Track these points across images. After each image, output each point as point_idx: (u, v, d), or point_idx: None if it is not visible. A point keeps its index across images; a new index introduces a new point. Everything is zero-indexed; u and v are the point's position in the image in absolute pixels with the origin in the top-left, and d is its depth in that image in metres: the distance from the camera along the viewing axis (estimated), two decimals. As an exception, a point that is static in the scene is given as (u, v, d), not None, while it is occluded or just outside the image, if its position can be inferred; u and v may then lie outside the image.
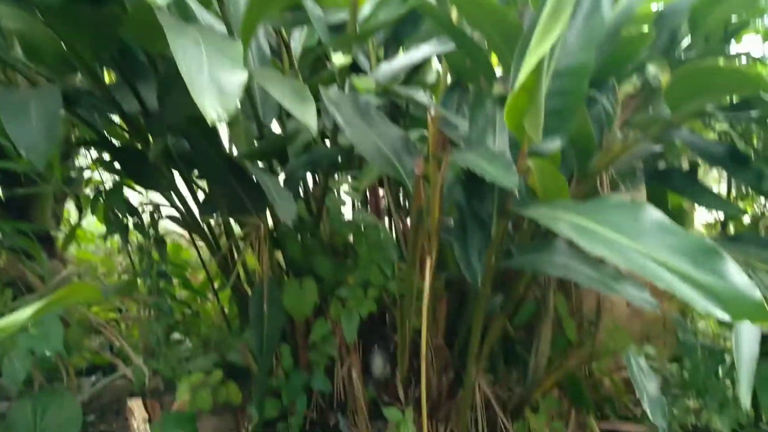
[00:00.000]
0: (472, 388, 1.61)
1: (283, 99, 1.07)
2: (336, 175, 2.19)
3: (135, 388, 1.97)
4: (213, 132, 1.51)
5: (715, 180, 2.36)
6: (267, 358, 1.60)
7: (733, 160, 1.55)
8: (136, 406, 1.83)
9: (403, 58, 1.67)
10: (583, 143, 1.30)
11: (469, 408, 1.63)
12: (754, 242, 1.54)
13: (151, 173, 1.67)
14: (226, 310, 2.45)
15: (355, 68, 1.88)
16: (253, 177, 1.57)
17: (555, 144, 1.07)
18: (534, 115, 0.99)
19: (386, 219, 2.15)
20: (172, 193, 1.78)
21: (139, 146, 1.66)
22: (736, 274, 0.72)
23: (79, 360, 2.01)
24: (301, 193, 1.98)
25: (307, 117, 1.08)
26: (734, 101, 1.58)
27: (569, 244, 1.37)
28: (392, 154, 1.44)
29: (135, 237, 2.52)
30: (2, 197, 2.49)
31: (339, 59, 1.56)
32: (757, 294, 0.69)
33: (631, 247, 0.83)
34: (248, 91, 1.55)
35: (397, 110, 2.00)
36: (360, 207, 2.13)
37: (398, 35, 1.97)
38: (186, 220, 1.90)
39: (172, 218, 2.03)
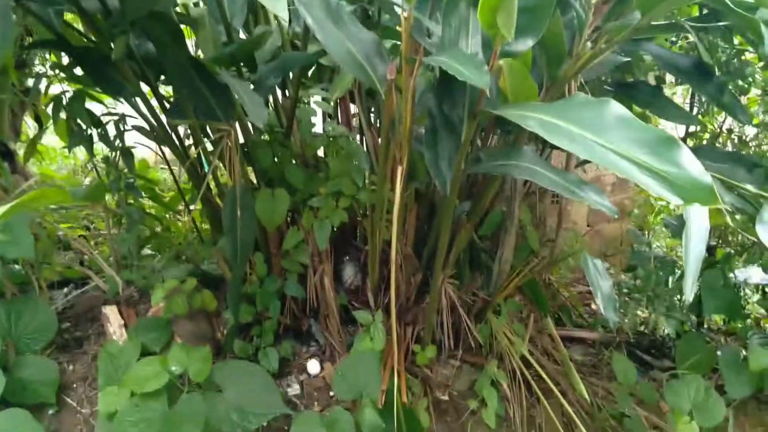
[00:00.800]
0: (438, 293, 1.69)
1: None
2: (307, 86, 2.16)
3: (110, 296, 2.00)
4: (178, 32, 1.45)
5: (680, 104, 2.41)
6: (241, 264, 1.63)
7: (697, 73, 1.59)
8: (111, 312, 1.87)
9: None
10: (554, 49, 1.31)
11: (435, 312, 1.72)
12: (711, 155, 1.61)
13: (114, 78, 1.61)
14: (199, 224, 2.46)
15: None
16: (222, 81, 1.53)
17: (527, 44, 1.08)
18: (507, 12, 0.98)
19: (358, 134, 2.15)
20: (138, 100, 1.73)
21: (101, 49, 1.59)
22: (690, 162, 0.77)
23: (49, 273, 2.01)
24: (272, 105, 1.96)
25: (278, 7, 1.05)
26: (702, 12, 1.60)
27: (535, 151, 1.41)
28: (364, 59, 1.42)
29: (101, 151, 2.48)
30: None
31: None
32: (708, 179, 0.74)
33: (594, 141, 0.86)
34: (215, -10, 1.49)
35: (369, 20, 1.95)
36: (331, 119, 2.12)
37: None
38: (154, 130, 1.86)
39: (138, 128, 1.98)
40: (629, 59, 1.60)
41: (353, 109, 2.18)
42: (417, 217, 1.85)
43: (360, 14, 1.92)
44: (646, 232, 2.98)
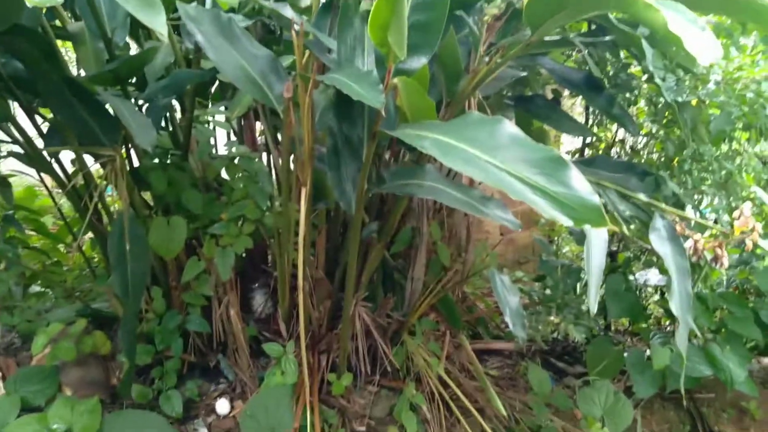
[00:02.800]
0: (351, 317, 1.64)
1: (126, 3, 0.94)
2: (207, 105, 2.05)
3: (-15, 346, 1.78)
4: (50, 49, 1.31)
5: (579, 114, 2.51)
6: (134, 300, 1.49)
7: (588, 86, 1.65)
8: (-15, 364, 1.65)
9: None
10: (451, 65, 1.30)
11: (349, 337, 1.66)
12: (605, 165, 1.67)
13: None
14: (90, 256, 2.26)
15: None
16: (104, 103, 1.41)
17: (421, 61, 1.05)
18: (398, 30, 0.95)
19: (264, 153, 2.06)
20: (10, 125, 1.55)
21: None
22: (579, 183, 0.76)
23: None
24: (169, 125, 1.84)
25: (156, 23, 0.96)
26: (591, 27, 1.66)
27: (439, 169, 1.39)
28: (260, 76, 1.35)
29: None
30: None
31: (196, -30, 1.42)
32: (596, 199, 0.74)
33: (489, 161, 0.85)
34: (92, 2, 1.36)
35: (271, 35, 1.89)
36: (235, 139, 2.02)
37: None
38: (31, 156, 1.68)
39: (14, 154, 1.78)
40: (525, 74, 1.63)
41: (259, 127, 2.10)
42: (328, 238, 1.79)
43: (261, 29, 1.85)
44: (555, 239, 3.08)
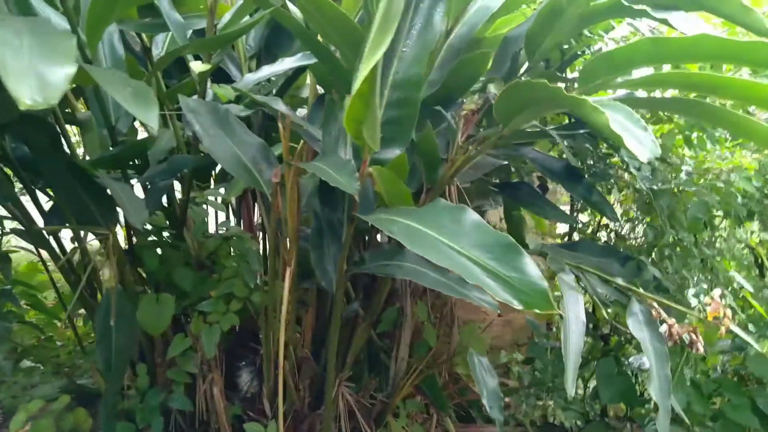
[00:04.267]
0: (334, 398, 1.62)
1: (124, 100, 1.03)
2: (208, 186, 2.14)
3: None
4: (56, 137, 1.41)
5: (567, 198, 2.58)
6: (116, 376, 1.50)
7: (568, 175, 1.72)
8: (-37, 441, 1.64)
9: (266, 69, 1.70)
10: (429, 155, 1.38)
11: (332, 419, 1.64)
12: (589, 249, 1.71)
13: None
14: (85, 332, 2.28)
15: (227, 79, 1.87)
16: (104, 186, 1.49)
17: (394, 152, 1.13)
18: (371, 124, 1.03)
19: (260, 232, 2.12)
20: (11, 204, 1.64)
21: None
22: (531, 269, 0.80)
23: None
24: (170, 204, 1.91)
25: (149, 117, 1.04)
26: (571, 120, 1.76)
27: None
28: (251, 162, 1.44)
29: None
30: None
31: (197, 66, 1.54)
32: (544, 285, 0.78)
33: (452, 246, 0.89)
34: (98, 94, 1.48)
35: (272, 122, 2.00)
36: (234, 220, 2.09)
37: (271, 49, 1.99)
38: (31, 233, 1.75)
39: (16, 231, 1.86)
40: (506, 162, 1.71)
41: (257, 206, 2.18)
42: (317, 317, 1.81)
43: (263, 117, 1.97)
44: (554, 321, 3.06)
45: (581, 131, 1.68)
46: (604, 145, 1.83)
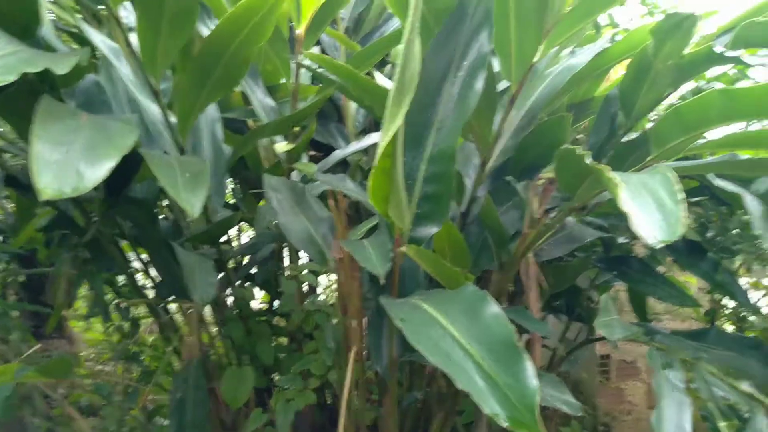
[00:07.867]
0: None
1: (170, 187, 1.09)
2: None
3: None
4: (153, 216, 1.57)
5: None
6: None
7: (687, 249, 1.44)
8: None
9: (352, 146, 1.73)
10: (494, 230, 1.26)
11: None
12: (716, 340, 1.38)
13: (106, 255, 1.73)
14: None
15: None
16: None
17: (431, 230, 1.04)
18: (396, 201, 0.97)
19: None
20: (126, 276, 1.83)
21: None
22: (527, 374, 0.65)
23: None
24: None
25: (195, 207, 1.08)
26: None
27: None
28: (320, 238, 1.46)
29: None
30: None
31: (281, 147, 1.63)
32: (535, 399, 0.61)
33: (456, 339, 0.77)
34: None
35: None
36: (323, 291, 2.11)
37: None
38: (147, 304, 1.94)
39: (133, 301, 2.07)
40: (602, 234, 1.49)
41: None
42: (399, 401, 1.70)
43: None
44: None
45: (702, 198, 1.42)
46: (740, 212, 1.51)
